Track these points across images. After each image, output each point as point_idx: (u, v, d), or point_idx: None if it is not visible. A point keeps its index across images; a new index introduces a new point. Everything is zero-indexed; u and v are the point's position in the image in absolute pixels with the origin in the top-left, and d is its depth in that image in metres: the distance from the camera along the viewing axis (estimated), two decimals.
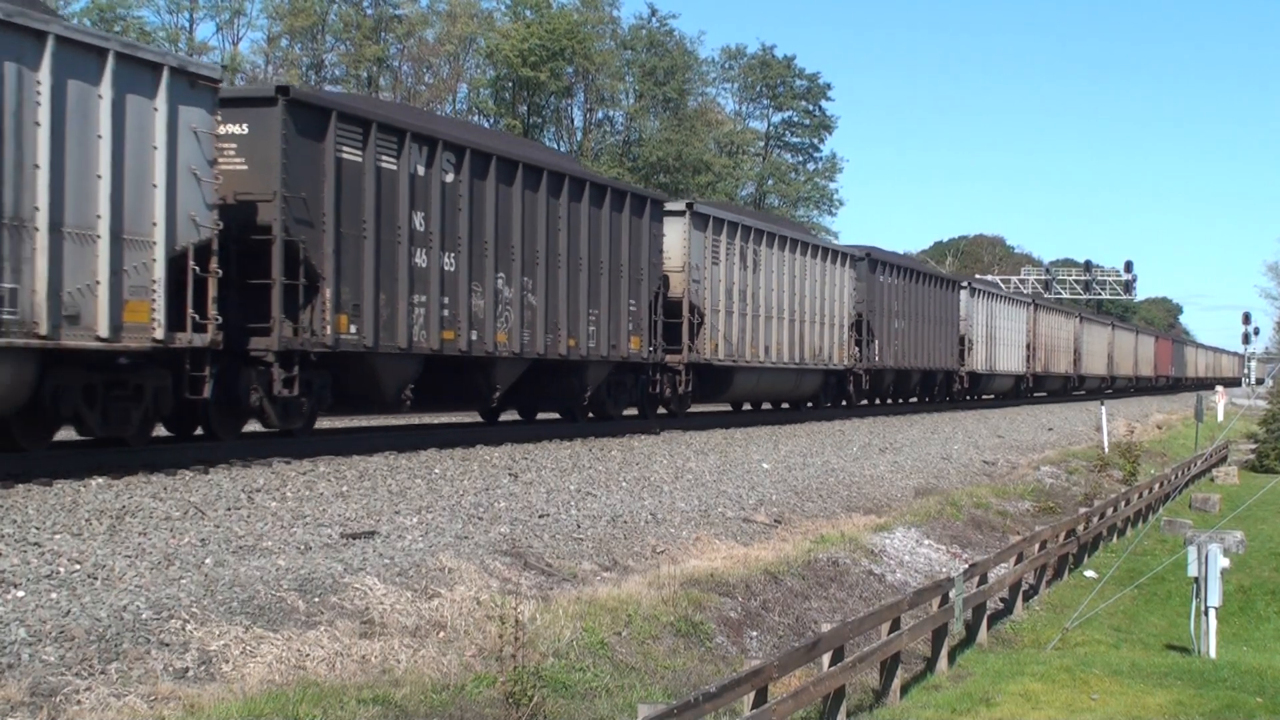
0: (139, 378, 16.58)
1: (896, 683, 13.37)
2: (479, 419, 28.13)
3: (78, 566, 10.86)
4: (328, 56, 64.50)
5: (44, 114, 14.70)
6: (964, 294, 52.93)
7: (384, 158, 20.41)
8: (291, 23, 61.52)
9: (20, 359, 14.79)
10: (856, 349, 41.11)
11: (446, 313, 21.82)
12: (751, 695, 9.92)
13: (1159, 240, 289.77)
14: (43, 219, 14.71)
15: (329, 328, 19.22)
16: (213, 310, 16.97)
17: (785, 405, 39.59)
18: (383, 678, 9.99)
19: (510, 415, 28.44)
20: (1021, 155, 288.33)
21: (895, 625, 13.27)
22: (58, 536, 11.91)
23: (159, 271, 16.24)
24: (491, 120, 67.77)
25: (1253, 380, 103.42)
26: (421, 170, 21.24)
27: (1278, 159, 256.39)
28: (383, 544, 13.21)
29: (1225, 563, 17.71)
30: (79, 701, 8.42)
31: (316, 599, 11.03)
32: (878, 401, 45.53)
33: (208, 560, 11.64)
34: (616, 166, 68.04)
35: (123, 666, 9.01)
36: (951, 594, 14.94)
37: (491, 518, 15.43)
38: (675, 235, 30.07)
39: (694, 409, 33.29)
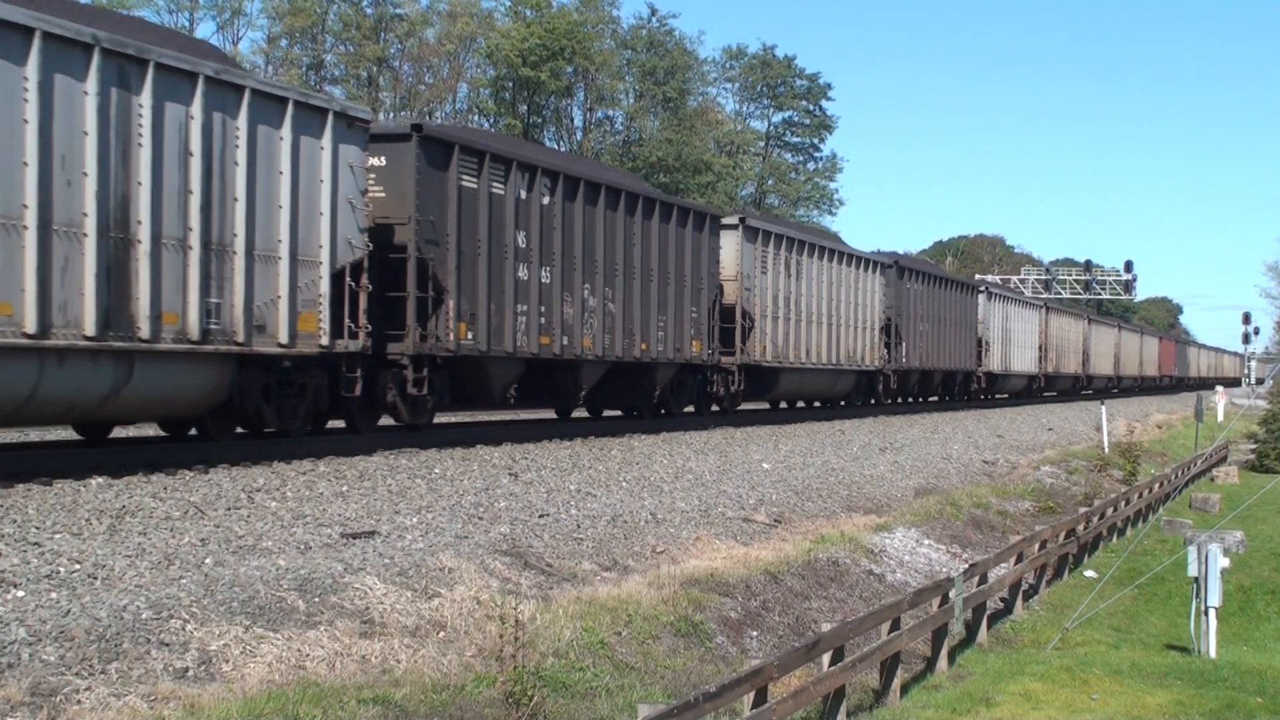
0: (303, 378, 19.42)
1: (896, 683, 13.37)
2: (478, 418, 29.16)
3: (78, 566, 10.86)
4: (327, 56, 64.49)
5: (242, 155, 17.57)
6: (981, 298, 55.36)
7: (494, 184, 23.08)
8: (291, 23, 61.51)
9: (222, 363, 17.70)
10: (886, 351, 43.52)
11: (543, 320, 24.53)
12: (751, 695, 9.92)
13: (1159, 240, 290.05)
14: (240, 244, 17.54)
15: (451, 334, 21.80)
16: (363, 320, 19.82)
17: (817, 404, 42.12)
18: (383, 678, 9.99)
19: (527, 412, 29.84)
20: (1021, 155, 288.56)
21: (895, 625, 13.28)
22: (58, 536, 11.91)
23: (324, 287, 19.13)
24: (491, 120, 67.77)
25: (1253, 380, 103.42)
26: (524, 194, 23.97)
27: (1278, 159, 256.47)
28: (383, 544, 13.21)
29: (1225, 563, 17.71)
30: (79, 701, 8.42)
31: (316, 599, 11.04)
32: (904, 400, 48.12)
33: (208, 560, 11.64)
34: (616, 166, 68.01)
35: (123, 666, 9.01)
36: (951, 594, 14.94)
37: (491, 517, 15.43)
38: (730, 247, 32.72)
39: (738, 407, 35.41)
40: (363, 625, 10.87)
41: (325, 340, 19.05)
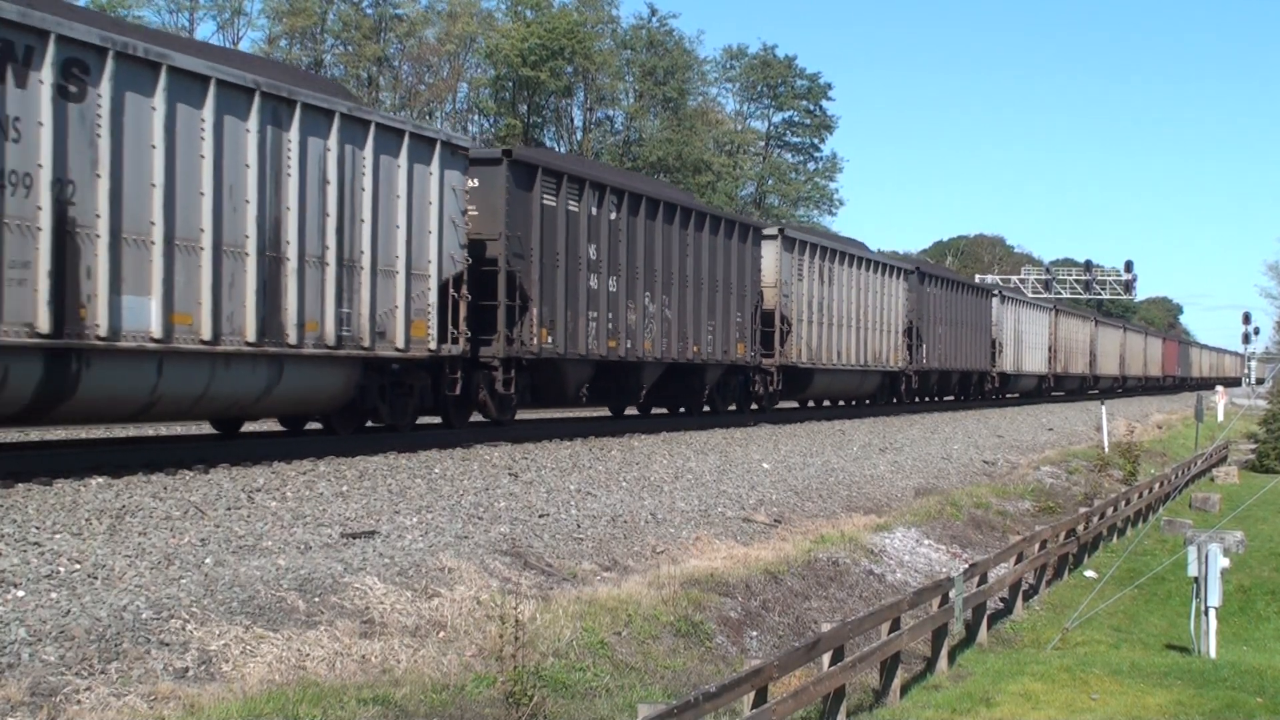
0: (411, 379, 21.80)
1: (896, 683, 13.36)
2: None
3: (78, 566, 10.86)
4: (327, 56, 64.48)
5: (368, 181, 20.02)
6: (995, 301, 57.96)
7: (570, 202, 25.45)
8: (292, 23, 61.49)
9: (352, 366, 20.16)
10: (908, 353, 45.83)
11: (611, 326, 26.96)
12: (751, 695, 9.92)
13: (1159, 240, 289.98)
14: (366, 260, 20.03)
15: (535, 339, 24.18)
16: (463, 326, 22.23)
17: (841, 402, 44.69)
18: (383, 677, 9.99)
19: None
20: (1021, 155, 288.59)
21: (895, 625, 13.27)
22: (58, 536, 11.91)
23: (432, 297, 21.54)
24: (491, 120, 67.77)
25: (1253, 380, 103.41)
26: (594, 210, 26.30)
27: (1278, 159, 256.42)
28: (383, 544, 13.21)
29: (1225, 562, 17.71)
30: (79, 701, 8.42)
31: (316, 599, 11.04)
32: (924, 400, 50.67)
33: (208, 560, 11.64)
34: (615, 165, 68.00)
35: (123, 666, 9.01)
36: (951, 594, 14.94)
37: (491, 517, 15.43)
38: (770, 256, 35.20)
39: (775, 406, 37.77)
40: (363, 625, 10.87)
41: (433, 345, 21.55)
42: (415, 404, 22.10)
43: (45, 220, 14.88)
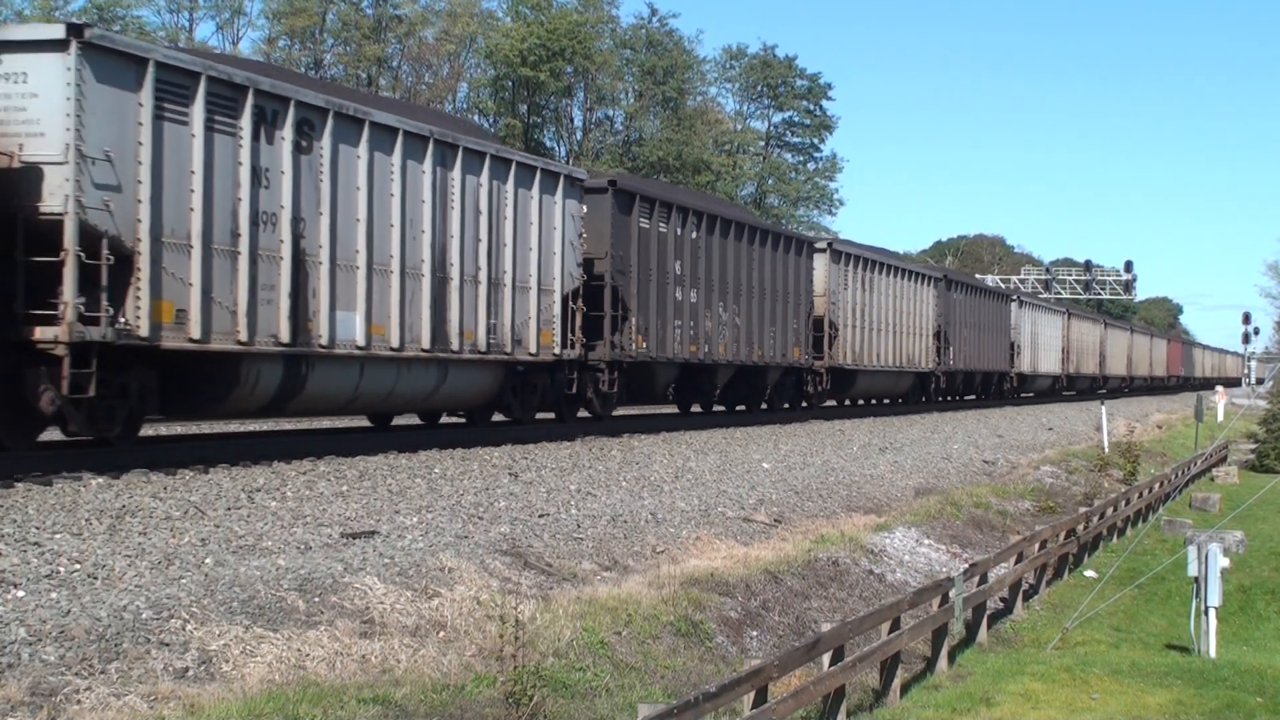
0: (535, 379, 25.31)
1: (896, 682, 13.37)
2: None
3: (78, 566, 10.86)
4: (326, 56, 64.47)
5: (509, 210, 23.59)
6: (1013, 305, 61.88)
7: (660, 224, 29.24)
8: (291, 23, 61.49)
9: (497, 368, 23.78)
10: (936, 355, 49.50)
11: (692, 332, 30.71)
12: (751, 695, 9.92)
13: (1159, 240, 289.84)
14: (508, 278, 23.67)
15: (633, 344, 27.85)
16: (579, 334, 25.94)
17: (874, 401, 48.16)
18: (383, 677, 9.99)
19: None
20: (1021, 155, 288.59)
21: (895, 625, 13.27)
22: (58, 536, 11.91)
23: (557, 309, 25.16)
24: (491, 120, 67.76)
25: (1253, 380, 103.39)
26: (679, 231, 30.11)
27: (1278, 159, 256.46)
28: (383, 544, 13.21)
29: (1225, 562, 17.70)
30: (79, 701, 8.42)
31: (316, 599, 11.03)
32: (951, 398, 53.84)
33: (208, 560, 11.64)
34: (616, 166, 68.01)
35: (123, 666, 9.00)
36: (951, 594, 14.94)
37: (491, 517, 15.42)
38: (820, 267, 39.00)
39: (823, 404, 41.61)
40: (363, 625, 10.86)
41: (557, 350, 25.15)
42: (537, 400, 25.75)
43: (286, 251, 18.36)
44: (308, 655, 10.00)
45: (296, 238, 18.52)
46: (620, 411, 29.86)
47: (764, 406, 36.38)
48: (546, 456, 21.64)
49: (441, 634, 11.18)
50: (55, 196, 15.25)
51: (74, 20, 17.75)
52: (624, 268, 27.50)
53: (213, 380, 18.04)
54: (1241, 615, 21.04)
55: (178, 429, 24.75)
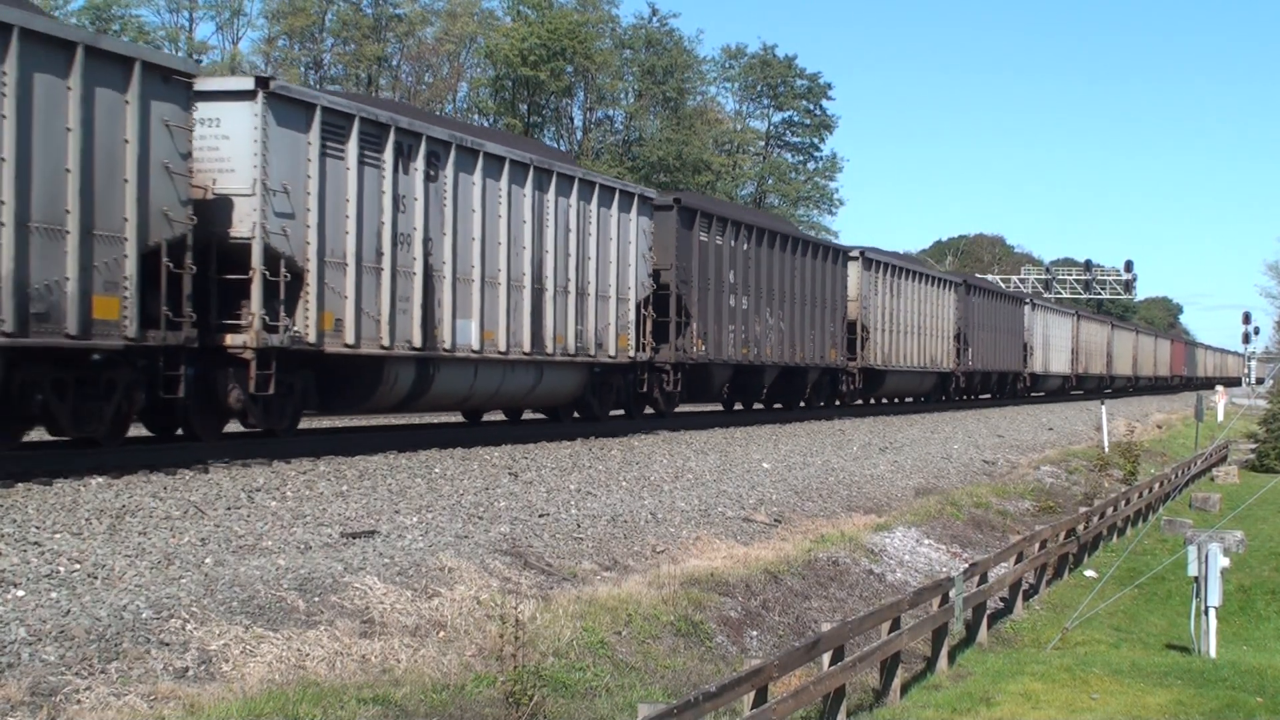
0: (611, 379, 28.09)
1: (896, 682, 13.36)
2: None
3: (78, 566, 10.86)
4: (326, 56, 64.47)
5: (593, 228, 26.63)
6: (1026, 308, 64.57)
7: (718, 237, 32.17)
8: (291, 23, 61.49)
9: (582, 370, 26.68)
10: (957, 356, 52.25)
11: (744, 336, 33.53)
12: (751, 695, 9.92)
13: (1159, 240, 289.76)
14: (592, 289, 26.51)
15: (694, 347, 30.55)
16: (649, 338, 28.96)
17: (901, 399, 51.06)
18: (383, 677, 9.99)
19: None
20: (1021, 155, 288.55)
21: (895, 625, 13.27)
22: (58, 536, 11.91)
23: (632, 316, 28.03)
24: (491, 119, 67.75)
25: (1253, 380, 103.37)
26: (733, 243, 33.05)
27: (1278, 159, 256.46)
28: (383, 543, 13.20)
29: (1225, 562, 17.68)
30: (79, 701, 8.42)
31: (316, 598, 11.03)
32: (970, 397, 56.49)
33: (208, 560, 11.64)
34: (616, 166, 68.01)
35: (123, 666, 9.00)
36: (951, 593, 14.93)
37: (491, 517, 15.42)
38: (854, 274, 41.79)
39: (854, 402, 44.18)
40: (363, 625, 10.86)
41: (632, 353, 28.11)
42: (612, 399, 28.60)
43: (418, 267, 21.30)
44: (308, 655, 10.00)
45: (426, 255, 21.51)
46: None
47: (802, 404, 39.04)
48: (546, 456, 21.64)
49: (441, 634, 11.18)
50: (244, 224, 18.09)
51: (259, 74, 21.50)
52: (687, 278, 30.47)
53: (361, 380, 20.91)
54: (1242, 615, 21.03)
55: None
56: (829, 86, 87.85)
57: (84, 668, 8.83)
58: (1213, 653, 17.04)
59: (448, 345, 21.97)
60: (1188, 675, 14.52)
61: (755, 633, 14.00)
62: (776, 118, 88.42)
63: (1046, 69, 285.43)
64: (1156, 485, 31.10)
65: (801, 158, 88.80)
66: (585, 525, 15.91)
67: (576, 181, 26.06)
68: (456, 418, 28.36)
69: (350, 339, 19.73)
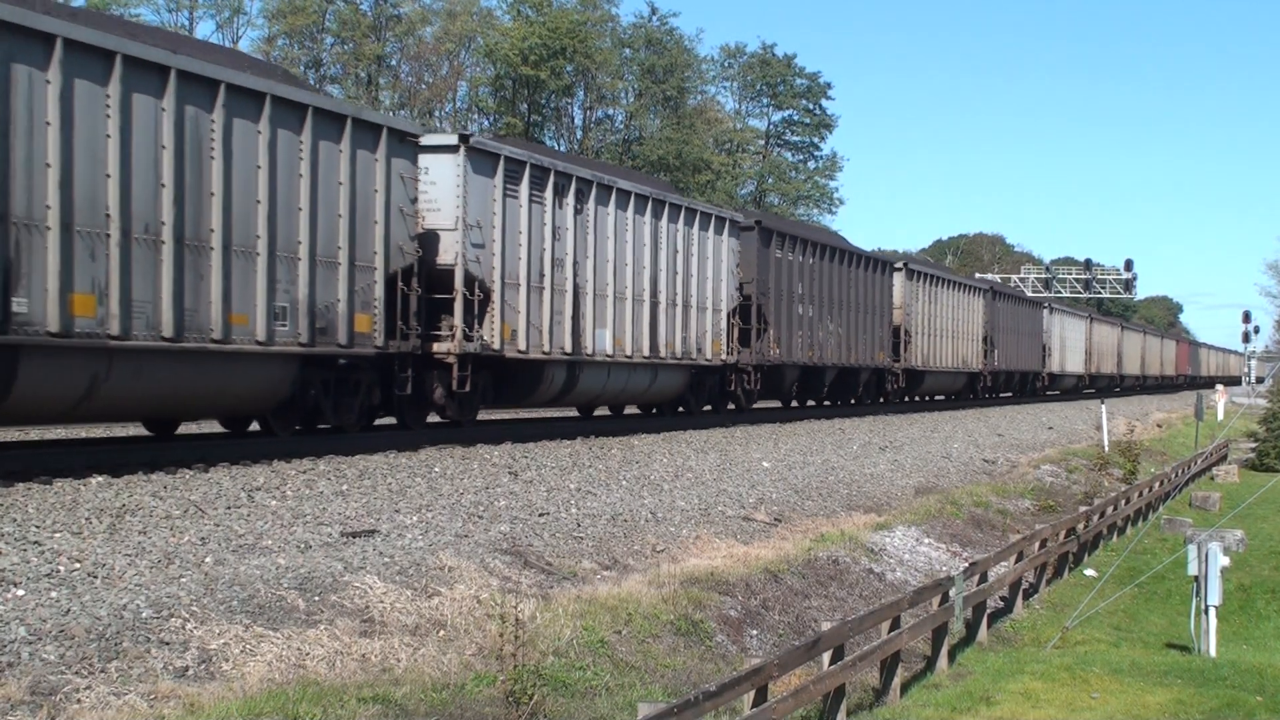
0: (703, 379, 32.40)
1: (897, 681, 13.36)
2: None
3: (78, 565, 10.86)
4: (325, 56, 64.43)
5: (694, 248, 31.18)
6: (1045, 312, 68.56)
7: (789, 254, 36.63)
8: (291, 22, 61.46)
9: (686, 370, 31.13)
10: (984, 357, 56.49)
11: (809, 340, 37.85)
12: (751, 694, 9.92)
13: (1159, 239, 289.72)
14: (695, 300, 31.07)
15: (770, 351, 35.00)
16: (736, 343, 33.05)
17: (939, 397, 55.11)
18: (383, 676, 9.99)
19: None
20: (1021, 154, 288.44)
21: (895, 624, 13.27)
22: (58, 535, 11.91)
23: (723, 324, 32.54)
24: (491, 119, 67.74)
25: (1252, 379, 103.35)
26: (801, 258, 37.49)
27: (1278, 158, 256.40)
28: (383, 543, 13.20)
29: (1225, 561, 17.68)
30: (79, 700, 8.42)
31: (316, 598, 11.03)
32: (995, 395, 60.43)
33: (208, 559, 11.64)
34: (616, 165, 67.97)
35: (123, 665, 9.00)
36: (951, 592, 14.93)
37: (491, 516, 15.42)
38: (899, 284, 46.00)
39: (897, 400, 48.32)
40: (363, 624, 10.86)
41: (724, 355, 32.59)
42: (705, 396, 32.78)
43: (569, 286, 25.56)
44: (308, 654, 10.00)
45: (574, 276, 25.84)
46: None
47: (852, 401, 43.27)
48: (546, 455, 21.64)
49: (441, 633, 11.17)
50: (448, 253, 22.39)
51: (463, 132, 26.49)
52: (765, 290, 34.68)
53: (527, 380, 25.08)
54: (1241, 614, 21.03)
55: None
56: (829, 86, 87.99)
57: (84, 667, 8.83)
58: (1213, 652, 17.05)
59: (589, 350, 26.40)
60: (1188, 674, 14.52)
61: (755, 632, 14.00)
62: (776, 117, 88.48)
63: (1046, 68, 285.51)
64: (1156, 484, 31.09)
65: (801, 157, 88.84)
66: (585, 524, 15.91)
67: (683, 210, 30.62)
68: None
69: (522, 346, 24.16)
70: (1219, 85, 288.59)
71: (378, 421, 23.05)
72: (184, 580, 10.77)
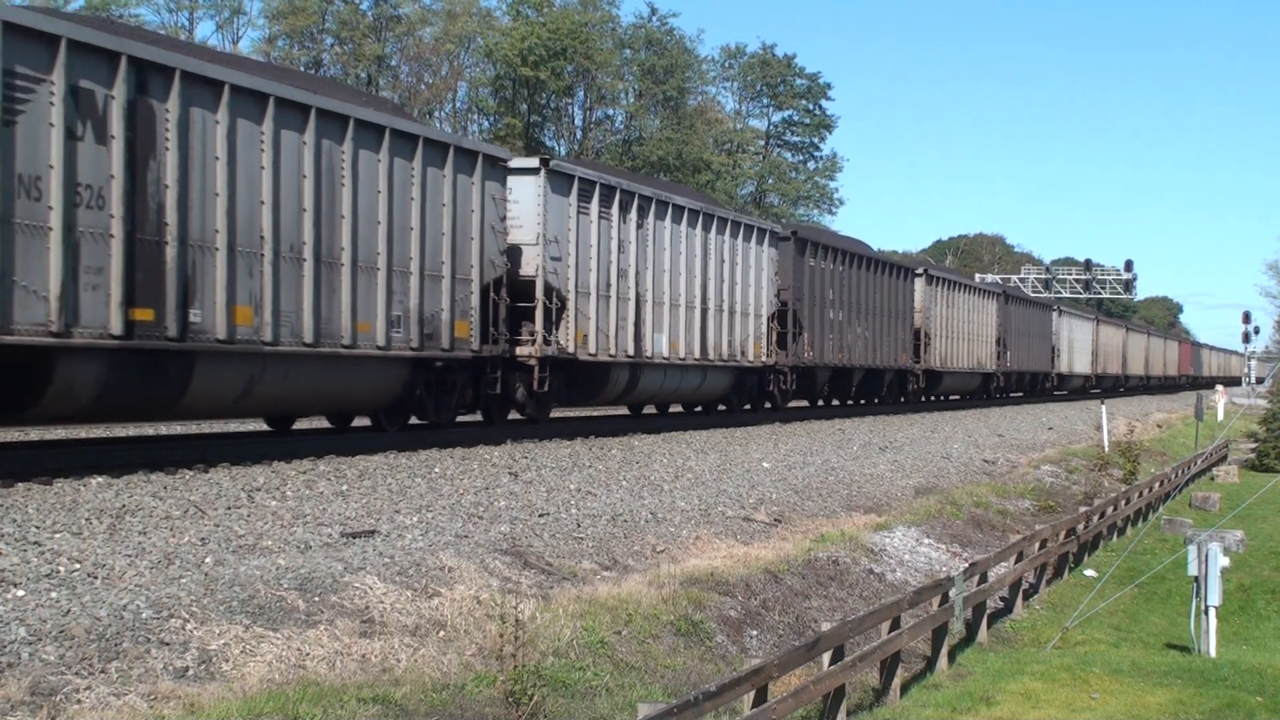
0: (745, 379, 34.88)
1: (896, 682, 13.36)
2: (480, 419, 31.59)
3: (78, 565, 10.85)
4: (325, 56, 64.42)
5: (739, 258, 33.69)
6: (1054, 314, 71.27)
7: (822, 263, 39.17)
8: (291, 22, 61.45)
9: (731, 371, 33.53)
10: (998, 358, 58.92)
11: (839, 343, 40.24)
12: (751, 694, 9.92)
13: (1159, 239, 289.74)
14: (739, 307, 33.66)
15: (805, 353, 37.55)
16: (775, 346, 35.60)
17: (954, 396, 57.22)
18: (383, 677, 9.99)
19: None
20: (1021, 155, 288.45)
21: (895, 624, 13.27)
22: (58, 535, 11.91)
23: (764, 328, 34.99)
24: (491, 119, 67.74)
25: (1252, 379, 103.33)
26: (832, 266, 39.96)
27: (1278, 158, 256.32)
28: (383, 543, 13.20)
29: (1225, 561, 17.67)
30: (79, 700, 8.42)
31: (316, 598, 11.03)
32: (1009, 395, 62.74)
33: (208, 559, 11.64)
34: (616, 165, 67.97)
35: (123, 665, 9.00)
36: (951, 593, 14.93)
37: (492, 517, 15.42)
38: (919, 289, 48.79)
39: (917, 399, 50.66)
40: (363, 624, 10.86)
41: (765, 358, 34.93)
42: (746, 395, 35.29)
43: (631, 294, 28.28)
44: (308, 655, 10.00)
45: (636, 285, 28.40)
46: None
47: (876, 401, 45.49)
48: (546, 456, 21.63)
49: (441, 633, 11.17)
50: (530, 265, 24.81)
51: (543, 155, 28.54)
52: (800, 296, 37.13)
53: (595, 380, 27.36)
54: (1241, 614, 21.03)
55: (178, 429, 24.76)
56: (829, 86, 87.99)
57: (84, 667, 8.83)
58: (1213, 652, 17.04)
59: (649, 353, 28.89)
60: (1188, 674, 14.52)
61: (755, 632, 14.00)
62: (776, 117, 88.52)
63: (1046, 69, 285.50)
64: (1156, 484, 31.09)
65: (801, 157, 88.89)
66: (585, 525, 15.91)
67: (729, 223, 33.14)
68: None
69: (593, 350, 26.59)
70: (1219, 86, 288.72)
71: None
72: (184, 581, 10.77)
